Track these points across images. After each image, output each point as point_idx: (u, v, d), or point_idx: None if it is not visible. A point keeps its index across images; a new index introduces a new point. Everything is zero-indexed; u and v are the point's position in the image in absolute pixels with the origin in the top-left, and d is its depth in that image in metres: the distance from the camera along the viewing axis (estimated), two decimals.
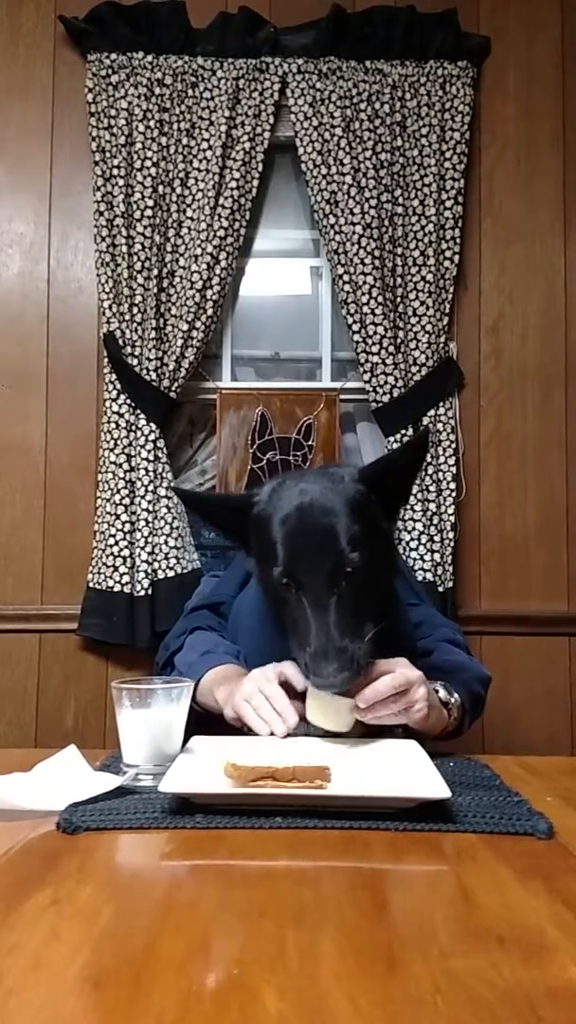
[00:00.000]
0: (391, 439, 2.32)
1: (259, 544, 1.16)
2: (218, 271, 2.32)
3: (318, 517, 1.10)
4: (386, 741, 1.12)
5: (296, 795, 0.90)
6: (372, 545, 1.11)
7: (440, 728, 1.17)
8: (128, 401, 2.30)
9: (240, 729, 1.26)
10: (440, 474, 2.32)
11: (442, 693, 1.18)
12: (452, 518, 2.31)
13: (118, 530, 2.27)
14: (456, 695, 1.20)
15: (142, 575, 2.26)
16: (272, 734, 1.09)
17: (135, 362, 2.31)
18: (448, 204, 2.36)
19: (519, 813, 0.90)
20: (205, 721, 1.25)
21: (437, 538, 2.28)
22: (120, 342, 2.32)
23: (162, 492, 2.29)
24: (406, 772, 0.99)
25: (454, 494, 2.32)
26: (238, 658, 1.30)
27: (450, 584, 2.29)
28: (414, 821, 0.87)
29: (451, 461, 2.33)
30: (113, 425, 2.30)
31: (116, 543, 2.27)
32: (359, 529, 1.10)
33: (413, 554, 2.26)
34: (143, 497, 2.28)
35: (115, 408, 2.31)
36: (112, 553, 2.27)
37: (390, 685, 1.06)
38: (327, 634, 1.06)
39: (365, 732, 1.14)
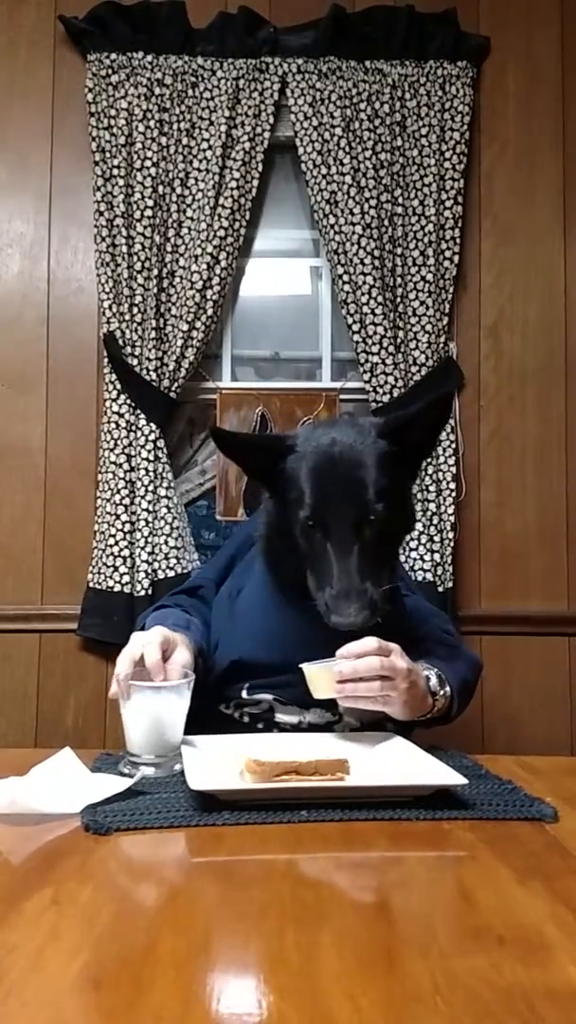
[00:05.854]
0: None
1: (288, 487, 1.22)
2: (218, 271, 2.32)
3: (348, 467, 1.17)
4: (389, 738, 1.15)
5: (321, 787, 0.93)
6: (394, 497, 1.18)
7: (416, 715, 1.17)
8: (128, 401, 2.30)
9: (239, 723, 1.28)
10: (440, 474, 2.32)
11: (434, 681, 1.19)
12: (452, 518, 2.31)
13: (118, 530, 2.27)
14: (448, 686, 1.21)
15: (142, 575, 2.26)
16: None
17: (135, 362, 2.31)
18: (448, 204, 2.35)
19: (520, 800, 0.94)
20: (205, 722, 1.25)
21: (437, 538, 2.28)
22: (120, 342, 2.32)
23: (162, 492, 2.29)
24: (419, 764, 1.02)
25: (454, 494, 2.32)
26: (189, 629, 1.27)
27: (450, 584, 2.29)
28: (432, 809, 0.90)
29: (451, 461, 2.32)
30: (113, 425, 2.30)
31: (116, 543, 2.27)
32: (385, 481, 1.17)
33: (413, 554, 2.26)
34: (143, 497, 2.28)
35: (115, 408, 2.30)
36: (112, 553, 2.26)
37: (375, 667, 1.08)
38: (349, 576, 1.12)
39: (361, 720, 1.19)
